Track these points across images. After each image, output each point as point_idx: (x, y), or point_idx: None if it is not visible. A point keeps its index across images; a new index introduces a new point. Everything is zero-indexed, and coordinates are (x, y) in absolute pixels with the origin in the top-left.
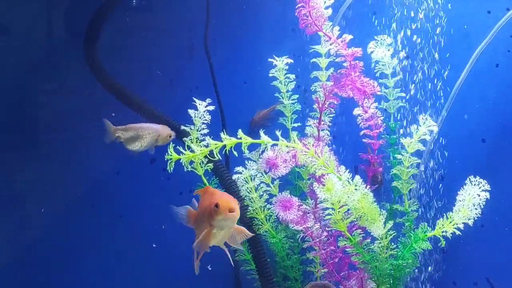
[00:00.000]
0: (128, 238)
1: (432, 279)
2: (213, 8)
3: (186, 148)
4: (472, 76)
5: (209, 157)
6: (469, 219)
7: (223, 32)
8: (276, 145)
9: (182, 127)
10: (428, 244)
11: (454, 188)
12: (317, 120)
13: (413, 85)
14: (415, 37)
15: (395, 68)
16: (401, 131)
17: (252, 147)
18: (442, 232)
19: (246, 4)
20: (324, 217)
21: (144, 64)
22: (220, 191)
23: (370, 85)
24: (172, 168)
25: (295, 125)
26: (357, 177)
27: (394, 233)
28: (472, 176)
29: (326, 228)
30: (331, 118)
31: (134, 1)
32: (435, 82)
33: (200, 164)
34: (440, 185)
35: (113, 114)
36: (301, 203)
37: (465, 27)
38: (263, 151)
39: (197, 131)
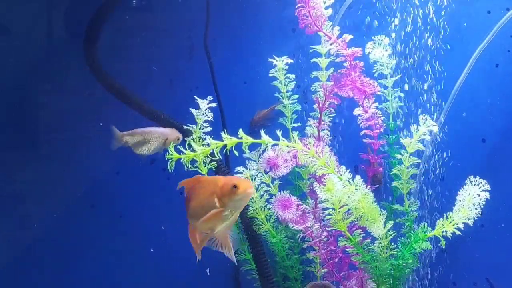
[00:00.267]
0: (128, 238)
1: (432, 279)
2: (213, 8)
3: (186, 147)
4: (472, 76)
5: (210, 156)
6: (469, 219)
7: (223, 32)
8: (277, 145)
9: (185, 127)
10: (428, 244)
11: (454, 188)
12: (317, 120)
13: (413, 85)
14: (415, 37)
15: (394, 68)
16: (404, 132)
17: (252, 148)
18: (442, 232)
19: (246, 4)
20: (324, 217)
21: (144, 64)
22: (214, 176)
23: (370, 85)
24: (172, 168)
25: (295, 125)
26: (358, 177)
27: (394, 233)
28: (472, 176)
29: (326, 228)
30: (331, 118)
31: (134, 1)
32: (435, 82)
33: (203, 163)
34: (440, 185)
35: (101, 124)
36: (300, 203)
37: (465, 25)
38: (263, 151)
39: (199, 129)
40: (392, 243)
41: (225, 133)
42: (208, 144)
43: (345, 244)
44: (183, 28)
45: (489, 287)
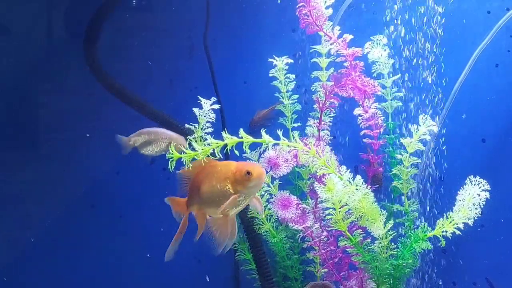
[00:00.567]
0: (128, 238)
1: (431, 279)
2: (213, 8)
3: (187, 146)
4: (472, 76)
5: (211, 156)
6: (469, 219)
7: (223, 32)
8: (277, 144)
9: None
10: (428, 244)
11: (454, 188)
12: (318, 120)
13: (412, 84)
14: (414, 36)
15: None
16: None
17: (252, 148)
18: (442, 232)
19: (246, 4)
20: (325, 217)
21: (144, 64)
22: (226, 161)
23: (370, 85)
24: (173, 167)
25: (295, 125)
26: (358, 177)
27: (394, 233)
28: (472, 176)
29: (326, 228)
30: (332, 118)
31: (134, 1)
32: (435, 82)
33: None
34: (440, 185)
35: (88, 135)
36: (300, 202)
37: (465, 25)
38: (264, 151)
39: (201, 129)
40: (392, 243)
41: (225, 133)
42: (208, 144)
43: (345, 244)
44: (183, 28)
45: (489, 287)
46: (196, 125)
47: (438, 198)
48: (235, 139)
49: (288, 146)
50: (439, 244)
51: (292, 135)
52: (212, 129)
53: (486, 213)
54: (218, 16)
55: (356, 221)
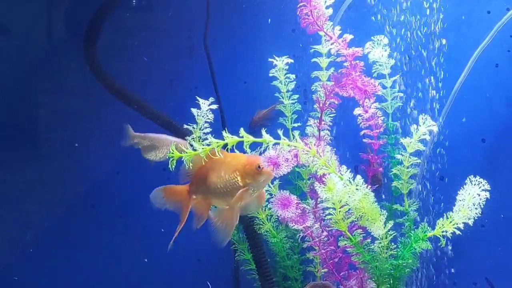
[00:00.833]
0: (128, 238)
1: (431, 279)
2: (213, 8)
3: (188, 146)
4: (472, 76)
5: (211, 156)
6: (469, 219)
7: (223, 32)
8: (278, 144)
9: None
10: (428, 244)
11: (454, 188)
12: (318, 120)
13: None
14: (414, 36)
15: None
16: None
17: (252, 148)
18: (442, 232)
19: (246, 4)
20: (325, 217)
21: (144, 64)
22: (236, 153)
23: (371, 85)
24: (173, 167)
25: (295, 125)
26: (358, 177)
27: (394, 233)
28: (472, 176)
29: (326, 228)
30: (332, 118)
31: (134, 1)
32: (435, 82)
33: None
34: (440, 185)
35: (76, 144)
36: (300, 202)
37: (465, 25)
38: (264, 150)
39: (200, 130)
40: (392, 243)
41: (226, 132)
42: (209, 144)
43: (345, 244)
44: (183, 28)
45: (489, 287)
46: (195, 126)
47: (438, 198)
48: (235, 139)
49: (288, 145)
50: (439, 244)
51: (292, 135)
52: (211, 129)
53: (486, 213)
54: (218, 16)
55: (356, 221)
